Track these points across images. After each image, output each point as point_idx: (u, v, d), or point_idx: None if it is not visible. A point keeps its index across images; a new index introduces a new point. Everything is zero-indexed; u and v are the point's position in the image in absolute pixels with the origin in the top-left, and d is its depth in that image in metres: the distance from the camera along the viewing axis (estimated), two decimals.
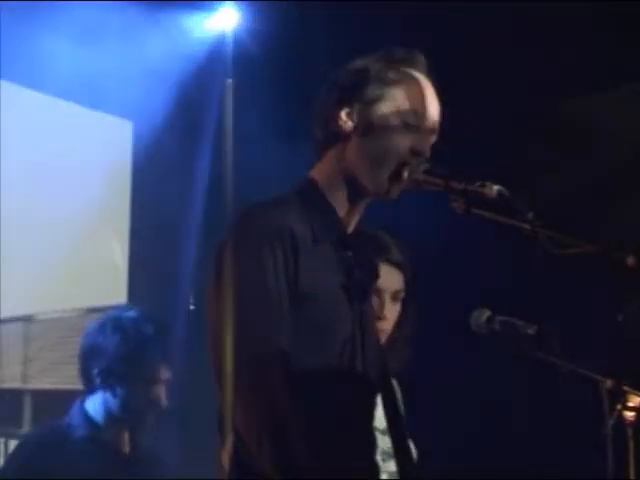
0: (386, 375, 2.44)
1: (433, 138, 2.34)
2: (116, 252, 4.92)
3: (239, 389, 2.07)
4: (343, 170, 2.33)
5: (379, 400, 2.43)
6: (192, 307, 4.61)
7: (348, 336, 2.25)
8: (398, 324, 3.03)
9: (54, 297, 4.42)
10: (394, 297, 3.00)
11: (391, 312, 2.99)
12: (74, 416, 3.36)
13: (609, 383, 2.67)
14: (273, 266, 2.16)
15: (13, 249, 4.32)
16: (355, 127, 2.32)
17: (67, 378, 3.54)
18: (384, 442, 2.53)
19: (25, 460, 3.26)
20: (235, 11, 4.60)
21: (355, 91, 2.34)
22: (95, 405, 3.35)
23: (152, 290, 4.70)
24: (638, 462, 2.62)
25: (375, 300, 2.94)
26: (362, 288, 2.33)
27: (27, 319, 4.26)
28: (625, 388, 2.66)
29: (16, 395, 3.75)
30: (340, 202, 2.33)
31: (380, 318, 2.95)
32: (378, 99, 2.32)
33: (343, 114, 2.33)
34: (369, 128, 2.30)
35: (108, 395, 3.33)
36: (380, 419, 2.44)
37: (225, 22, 4.60)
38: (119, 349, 3.31)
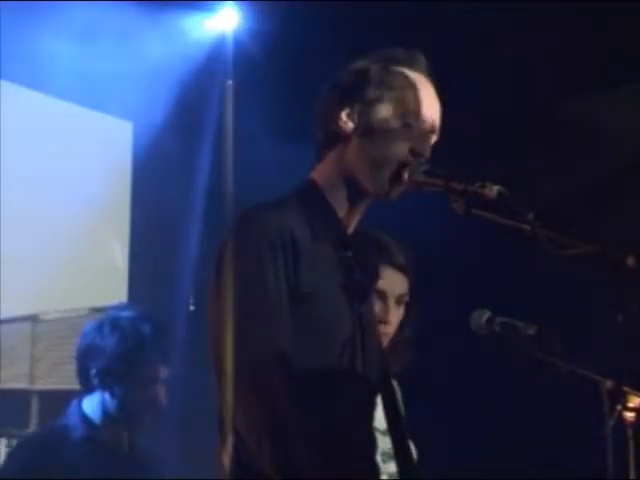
0: (386, 376, 2.44)
1: (433, 139, 2.34)
2: (116, 252, 4.93)
3: (239, 389, 2.07)
4: (343, 171, 2.33)
5: (379, 401, 2.43)
6: (192, 307, 4.61)
7: (348, 337, 2.25)
8: (400, 326, 3.03)
9: (54, 297, 4.42)
10: (398, 301, 3.01)
11: (395, 316, 3.00)
12: (71, 417, 3.36)
13: (609, 383, 2.67)
14: (273, 267, 2.16)
15: (13, 249, 4.32)
16: (355, 128, 2.31)
17: (74, 378, 3.53)
18: (384, 443, 2.53)
19: (23, 461, 3.25)
20: (235, 11, 4.61)
21: (355, 92, 2.34)
22: (93, 405, 3.35)
23: (152, 290, 4.70)
24: (638, 462, 2.62)
25: (380, 304, 2.95)
26: (362, 289, 2.33)
27: (34, 318, 4.23)
28: (625, 389, 2.66)
29: (23, 395, 3.73)
30: (340, 203, 2.33)
31: (384, 322, 2.95)
32: (378, 100, 2.32)
33: (343, 115, 2.33)
34: (369, 129, 2.30)
35: (106, 395, 3.33)
36: (380, 420, 2.44)
37: (225, 22, 4.60)
38: (117, 349, 3.30)
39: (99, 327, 3.35)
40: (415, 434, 2.97)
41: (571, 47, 4.46)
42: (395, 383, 3.12)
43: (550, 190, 4.40)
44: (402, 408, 3.07)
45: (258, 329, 2.13)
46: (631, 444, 2.62)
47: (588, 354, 2.77)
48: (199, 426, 3.85)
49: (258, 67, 4.55)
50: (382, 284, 2.96)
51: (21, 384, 4.14)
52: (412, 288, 3.04)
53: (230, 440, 2.11)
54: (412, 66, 2.37)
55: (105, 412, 3.33)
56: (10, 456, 3.38)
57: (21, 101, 4.50)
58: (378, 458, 2.67)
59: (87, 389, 3.36)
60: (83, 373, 3.36)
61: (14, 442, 3.65)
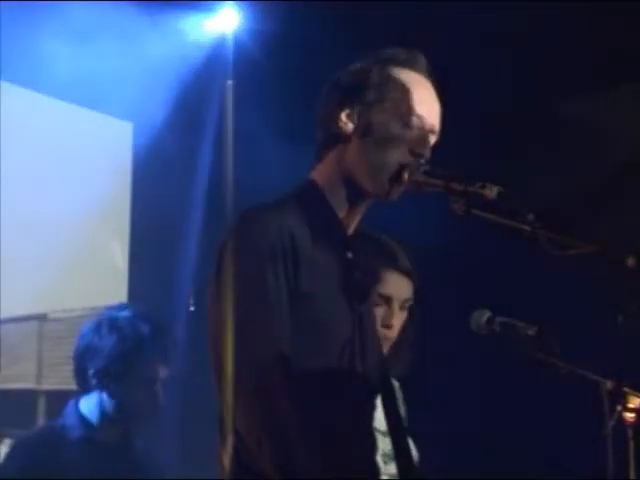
0: (386, 377, 2.44)
1: (433, 139, 2.34)
2: (116, 252, 4.92)
3: (239, 390, 2.07)
4: (343, 171, 2.33)
5: (380, 402, 2.43)
6: (192, 308, 4.61)
7: (347, 337, 2.25)
8: (402, 328, 3.04)
9: (54, 297, 4.42)
10: (403, 305, 3.02)
11: (399, 320, 3.01)
12: (68, 417, 3.35)
13: (609, 384, 2.67)
14: (273, 267, 2.16)
15: (13, 249, 4.32)
16: (355, 128, 2.32)
17: None
18: (385, 444, 2.53)
19: (21, 462, 3.24)
20: (235, 12, 4.60)
21: (356, 92, 2.34)
22: (90, 406, 3.34)
23: (152, 290, 4.70)
24: (638, 463, 2.62)
25: (385, 308, 2.96)
26: (362, 289, 2.33)
27: (41, 317, 4.21)
28: (625, 389, 2.66)
29: (30, 395, 3.71)
30: (340, 203, 2.33)
31: (388, 326, 2.96)
32: (378, 100, 2.32)
33: (343, 115, 2.33)
34: (369, 129, 2.30)
35: (104, 395, 3.32)
36: (381, 421, 2.44)
37: (225, 22, 4.60)
38: (116, 349, 3.30)
39: (97, 327, 3.35)
40: (416, 434, 2.98)
41: (571, 47, 4.46)
42: (397, 384, 3.13)
43: (550, 190, 4.40)
44: (402, 409, 3.08)
45: (258, 329, 2.13)
46: (631, 444, 2.62)
47: (588, 354, 2.77)
48: (199, 426, 3.85)
49: (258, 67, 4.55)
50: (388, 289, 2.97)
51: (28, 384, 4.12)
52: (416, 292, 3.05)
53: (230, 440, 2.11)
54: (412, 67, 2.37)
55: (103, 412, 3.33)
56: (7, 457, 3.37)
57: (21, 102, 4.50)
58: (379, 459, 2.68)
59: (84, 389, 3.35)
60: (81, 373, 3.35)
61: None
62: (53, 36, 4.19)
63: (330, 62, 2.49)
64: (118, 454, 3.35)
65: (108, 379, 3.30)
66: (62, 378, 4.04)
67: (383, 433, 2.51)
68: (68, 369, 3.51)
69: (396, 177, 2.27)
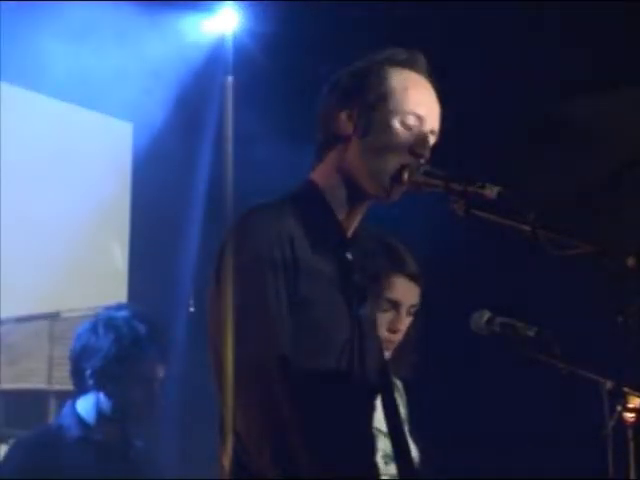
0: (386, 378, 2.44)
1: (433, 139, 2.34)
2: (116, 252, 4.92)
3: (239, 391, 2.07)
4: (343, 172, 2.33)
5: (381, 402, 2.43)
6: (192, 308, 4.61)
7: (346, 339, 2.24)
8: (407, 331, 3.04)
9: (53, 297, 4.41)
10: (409, 311, 3.02)
11: (404, 325, 3.01)
12: (65, 417, 3.35)
13: (609, 384, 2.67)
14: (272, 268, 2.16)
15: (13, 249, 4.32)
16: (355, 129, 2.31)
17: None
18: (387, 444, 2.53)
19: (18, 462, 3.24)
20: (235, 12, 4.60)
21: (355, 93, 2.34)
22: (87, 406, 3.34)
23: (152, 290, 4.70)
24: (638, 463, 2.62)
25: (392, 313, 2.97)
26: (361, 291, 2.33)
27: (53, 316, 4.18)
28: (625, 389, 2.65)
29: (41, 396, 3.68)
30: (340, 204, 2.33)
31: (394, 331, 2.96)
32: (378, 101, 2.32)
33: (343, 116, 2.33)
34: (369, 130, 2.30)
35: (101, 395, 3.32)
36: (382, 421, 2.44)
37: (225, 23, 4.60)
38: (113, 349, 3.30)
39: (93, 327, 3.34)
40: (416, 435, 2.98)
41: (571, 47, 4.45)
42: (401, 385, 3.13)
43: (550, 190, 4.40)
44: (403, 410, 3.08)
45: (257, 330, 2.13)
46: (631, 445, 2.62)
47: (588, 354, 2.77)
48: (199, 426, 3.85)
49: (258, 67, 4.55)
50: (396, 294, 2.97)
51: (39, 384, 4.10)
52: (422, 296, 3.06)
53: (230, 441, 2.11)
54: (412, 67, 2.37)
55: (100, 412, 3.32)
56: (5, 458, 3.36)
57: (21, 102, 4.50)
58: (380, 460, 2.68)
59: (81, 390, 3.35)
60: (77, 374, 3.35)
61: None
62: (53, 36, 4.19)
63: (330, 62, 2.49)
64: (116, 454, 3.34)
65: (105, 379, 3.29)
66: None
67: (385, 434, 2.51)
68: None
69: (396, 177, 2.26)
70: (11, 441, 3.52)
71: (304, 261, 2.20)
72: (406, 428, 2.93)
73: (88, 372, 3.31)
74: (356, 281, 2.31)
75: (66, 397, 3.51)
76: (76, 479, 3.19)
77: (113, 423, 3.34)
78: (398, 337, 3.00)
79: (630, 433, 2.61)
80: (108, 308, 3.42)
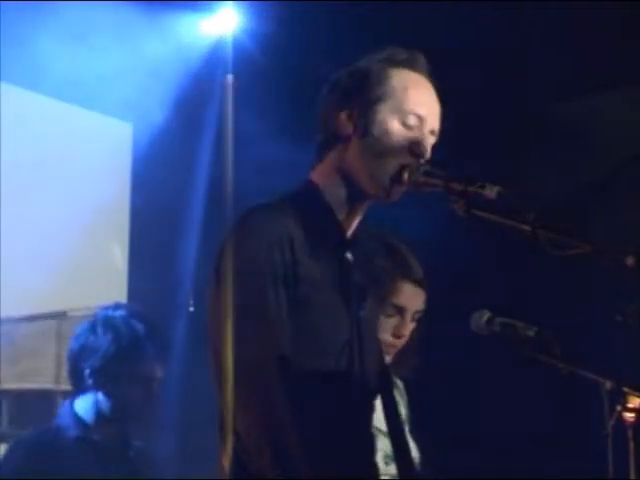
0: (385, 378, 2.44)
1: (433, 139, 2.34)
2: (116, 252, 4.92)
3: (238, 391, 2.07)
4: (343, 172, 2.33)
5: (381, 402, 2.43)
6: (192, 308, 4.61)
7: (346, 339, 2.24)
8: (409, 335, 3.05)
9: (53, 298, 4.41)
10: (414, 316, 3.02)
11: (408, 330, 3.02)
12: (63, 417, 3.34)
13: (609, 384, 2.67)
14: (271, 268, 2.16)
15: (12, 249, 4.32)
16: (355, 129, 2.31)
17: None
18: (387, 445, 2.53)
19: (16, 463, 3.22)
20: (235, 12, 4.60)
21: (356, 93, 2.34)
22: (85, 406, 3.33)
23: (152, 290, 4.70)
24: (638, 463, 2.62)
25: (398, 319, 2.97)
26: (361, 291, 2.33)
27: (60, 316, 4.16)
28: (625, 389, 2.65)
29: (48, 396, 3.66)
30: (340, 204, 2.33)
31: (398, 337, 2.97)
32: (378, 101, 2.32)
33: (343, 116, 2.33)
34: (369, 130, 2.30)
35: (100, 395, 3.31)
36: (383, 421, 2.44)
37: (225, 23, 4.60)
38: (112, 348, 3.29)
39: (92, 327, 3.34)
40: (416, 435, 2.98)
41: (570, 48, 4.46)
42: (402, 385, 3.13)
43: (549, 190, 4.40)
44: (404, 410, 3.08)
45: (257, 331, 2.13)
46: (631, 445, 2.62)
47: (588, 354, 2.77)
48: (199, 426, 3.85)
49: (257, 67, 4.55)
50: (402, 300, 2.98)
51: (46, 384, 4.07)
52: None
53: (230, 441, 2.11)
54: (412, 67, 2.37)
55: (98, 412, 3.32)
56: (3, 458, 3.35)
57: (20, 103, 4.50)
58: (380, 460, 2.68)
59: (79, 390, 3.34)
60: (76, 374, 3.34)
61: None
62: (52, 37, 4.18)
63: (330, 62, 2.49)
64: (115, 454, 3.34)
65: (104, 379, 3.29)
66: None
67: (385, 434, 2.51)
68: None
69: (396, 178, 2.26)
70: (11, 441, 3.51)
71: (304, 261, 2.19)
72: (406, 428, 2.94)
73: (87, 372, 3.31)
74: (356, 281, 2.32)
75: None
76: (75, 479, 3.18)
77: (112, 423, 3.33)
78: (401, 342, 3.00)
79: (630, 433, 2.61)
80: (106, 308, 3.41)
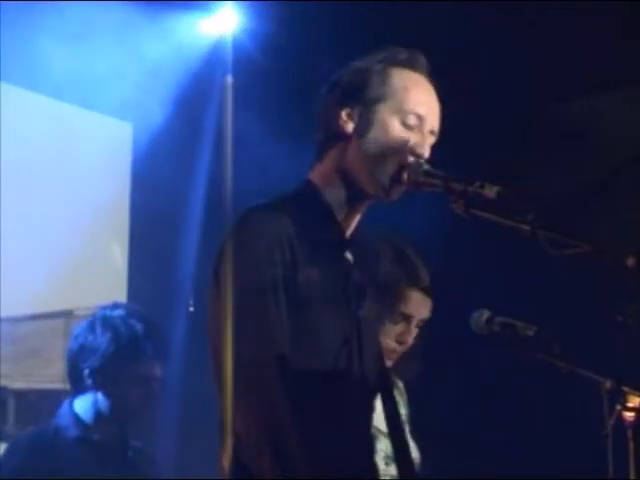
0: (385, 378, 2.44)
1: (432, 139, 2.34)
2: (116, 252, 4.92)
3: (238, 392, 2.07)
4: (343, 172, 2.32)
5: (381, 403, 2.43)
6: (192, 308, 4.61)
7: (345, 339, 2.24)
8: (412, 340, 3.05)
9: (53, 298, 4.41)
10: (419, 324, 3.03)
11: (412, 337, 3.02)
12: (62, 417, 3.33)
13: (609, 384, 2.67)
14: (271, 269, 2.16)
15: (12, 249, 4.32)
16: (355, 128, 2.31)
17: None
18: (388, 446, 2.53)
19: (15, 464, 3.21)
20: (235, 12, 4.60)
21: (356, 92, 2.34)
22: (85, 406, 3.33)
23: (152, 290, 4.69)
24: (638, 463, 2.62)
25: (404, 326, 2.97)
26: (360, 291, 2.33)
27: (68, 314, 4.13)
28: (624, 389, 2.66)
29: (57, 397, 3.64)
30: (339, 204, 2.33)
31: (402, 343, 2.97)
32: (379, 100, 2.32)
33: (344, 114, 2.33)
34: (369, 129, 2.30)
35: (99, 395, 3.30)
36: (384, 421, 2.44)
37: (225, 23, 4.59)
38: (111, 348, 3.28)
39: (91, 327, 3.33)
40: (417, 436, 2.98)
41: (572, 48, 4.46)
42: (402, 385, 3.13)
43: (550, 190, 4.40)
44: (404, 410, 3.08)
45: (256, 331, 2.13)
46: (631, 444, 2.62)
47: (588, 354, 2.77)
48: (199, 426, 3.85)
49: (257, 67, 4.55)
50: (410, 308, 2.98)
51: (54, 384, 4.05)
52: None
53: (230, 441, 2.11)
54: (412, 67, 2.37)
55: (98, 412, 3.31)
56: (3, 458, 3.34)
57: (20, 103, 4.50)
58: (381, 461, 2.68)
59: (79, 389, 3.34)
60: (75, 374, 3.34)
61: None
62: (52, 37, 4.18)
63: (330, 62, 2.49)
64: (114, 454, 3.33)
65: (103, 378, 3.28)
66: None
67: (385, 434, 2.51)
68: None
69: (396, 177, 2.26)
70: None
71: (303, 261, 2.19)
72: (407, 428, 2.94)
73: (86, 372, 3.30)
74: (355, 281, 2.31)
75: None
76: (74, 479, 3.18)
77: (111, 423, 3.33)
78: (404, 348, 3.01)
79: (630, 432, 2.62)
80: (104, 307, 3.41)
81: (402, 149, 2.27)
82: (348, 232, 2.35)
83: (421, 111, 2.31)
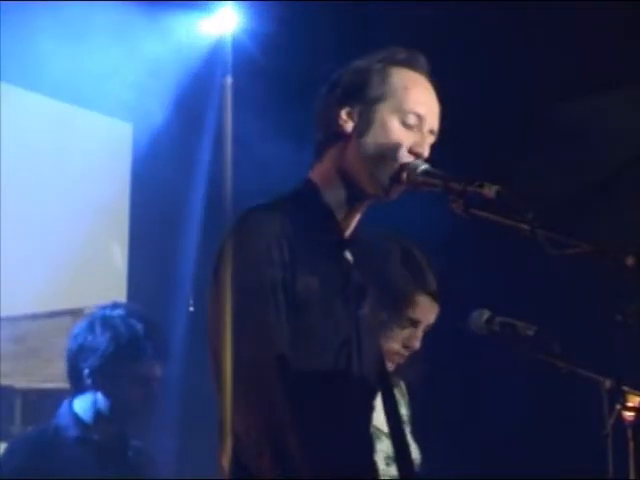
0: (385, 378, 2.44)
1: (432, 139, 2.34)
2: (116, 253, 4.92)
3: (237, 392, 2.07)
4: (342, 171, 2.32)
5: (382, 403, 2.43)
6: (192, 309, 4.61)
7: (345, 339, 2.24)
8: None
9: (53, 298, 4.41)
10: (425, 329, 3.03)
11: (419, 341, 3.01)
12: (62, 417, 3.33)
13: (608, 383, 2.67)
14: (270, 269, 2.16)
15: (12, 249, 4.31)
16: (355, 127, 2.31)
17: None
18: (389, 446, 2.53)
19: (16, 464, 3.21)
20: (234, 12, 4.60)
21: (356, 91, 2.34)
22: (84, 405, 3.32)
23: (152, 290, 4.69)
24: (638, 463, 2.61)
25: (411, 331, 2.97)
26: (360, 291, 2.33)
27: (75, 313, 4.12)
28: (624, 388, 2.66)
29: (63, 397, 3.64)
30: (339, 204, 2.33)
31: (409, 347, 2.97)
32: (379, 99, 2.32)
33: (343, 114, 2.33)
34: (369, 128, 2.30)
35: (99, 395, 3.30)
36: (385, 422, 2.43)
37: (225, 23, 4.59)
38: (110, 347, 3.28)
39: (90, 327, 3.33)
40: (418, 436, 2.98)
41: (572, 48, 4.46)
42: (403, 385, 3.13)
43: (550, 190, 4.40)
44: (405, 410, 3.08)
45: (255, 332, 2.13)
46: (631, 444, 2.62)
47: (588, 354, 2.77)
48: (198, 426, 3.85)
49: (257, 67, 4.55)
50: (418, 314, 2.97)
51: (59, 384, 4.04)
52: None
53: (229, 441, 2.11)
54: (412, 66, 2.37)
55: (97, 412, 3.31)
56: (2, 457, 3.34)
57: (20, 103, 4.50)
58: (382, 461, 2.68)
59: (79, 389, 3.33)
60: (75, 373, 3.33)
61: None
62: (52, 37, 4.18)
63: (330, 62, 2.49)
64: (114, 454, 3.33)
65: (103, 378, 3.28)
66: None
67: (387, 435, 2.51)
68: None
69: (395, 177, 2.26)
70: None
71: (302, 261, 2.19)
72: (408, 429, 2.94)
73: (86, 372, 3.30)
74: (355, 281, 2.31)
75: None
76: (74, 479, 3.18)
77: (111, 422, 3.33)
78: (409, 352, 3.01)
79: (630, 432, 2.61)
80: (104, 307, 3.40)
81: (401, 149, 2.27)
82: (348, 232, 2.35)
83: (421, 111, 2.31)
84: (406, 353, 3.00)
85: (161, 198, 4.88)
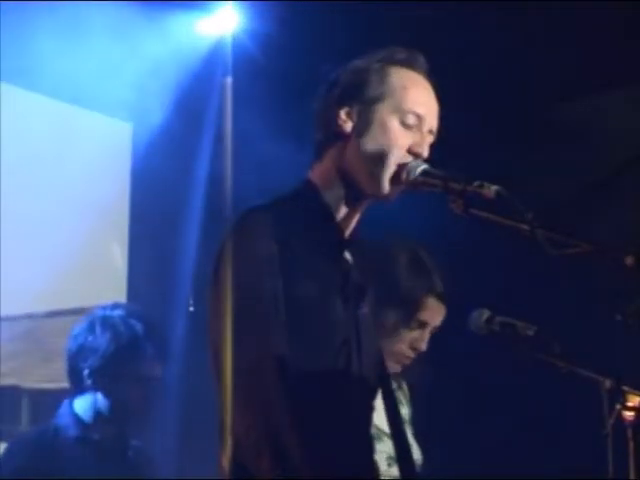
0: (385, 379, 2.44)
1: (431, 139, 2.34)
2: (116, 253, 4.92)
3: (237, 392, 2.07)
4: (342, 171, 2.32)
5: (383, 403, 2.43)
6: (192, 308, 4.61)
7: (343, 340, 2.24)
8: None
9: (53, 298, 4.41)
10: (432, 331, 3.03)
11: (425, 343, 3.02)
12: (62, 417, 3.33)
13: (608, 383, 2.67)
14: (270, 269, 2.16)
15: (11, 248, 4.31)
16: (354, 127, 2.31)
17: None
18: (390, 447, 2.53)
19: (16, 464, 3.21)
20: (234, 12, 4.60)
21: (355, 91, 2.34)
22: (84, 405, 3.33)
23: (151, 290, 4.69)
24: (638, 462, 2.61)
25: (418, 333, 2.98)
26: (359, 291, 2.33)
27: (79, 312, 4.10)
28: (624, 388, 2.66)
29: (65, 397, 3.64)
30: (338, 204, 2.33)
31: (416, 349, 2.97)
32: (378, 99, 2.32)
33: (343, 114, 2.33)
34: (368, 128, 2.30)
35: (99, 395, 3.31)
36: (386, 423, 2.43)
37: (225, 23, 4.59)
38: (110, 348, 3.29)
39: (90, 327, 3.33)
40: (419, 436, 2.98)
41: (573, 48, 4.46)
42: (405, 385, 3.13)
43: (549, 190, 4.40)
44: (407, 410, 3.08)
45: (255, 332, 2.13)
46: (631, 444, 2.62)
47: (588, 354, 2.77)
48: (198, 426, 3.85)
49: (257, 67, 4.55)
50: (426, 316, 2.98)
51: (61, 383, 4.03)
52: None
53: (229, 441, 2.11)
54: (412, 66, 2.37)
55: (97, 412, 3.31)
56: (2, 457, 3.34)
57: (19, 103, 4.50)
58: (383, 462, 2.68)
59: (79, 389, 3.33)
60: (75, 373, 3.34)
61: None
62: (51, 36, 4.18)
63: (330, 62, 2.49)
64: (114, 454, 3.33)
65: (103, 378, 3.28)
66: None
67: (388, 435, 2.51)
68: None
69: (395, 177, 2.26)
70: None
71: (302, 261, 2.19)
72: (410, 429, 2.94)
73: (86, 372, 3.30)
74: (354, 281, 2.31)
75: None
76: (74, 479, 3.18)
77: (111, 422, 3.33)
78: (417, 354, 3.01)
79: (630, 432, 2.62)
80: (104, 307, 3.41)
81: (401, 149, 2.28)
82: (347, 232, 2.35)
83: (420, 110, 2.31)
84: (413, 355, 3.00)
85: (161, 198, 4.88)
